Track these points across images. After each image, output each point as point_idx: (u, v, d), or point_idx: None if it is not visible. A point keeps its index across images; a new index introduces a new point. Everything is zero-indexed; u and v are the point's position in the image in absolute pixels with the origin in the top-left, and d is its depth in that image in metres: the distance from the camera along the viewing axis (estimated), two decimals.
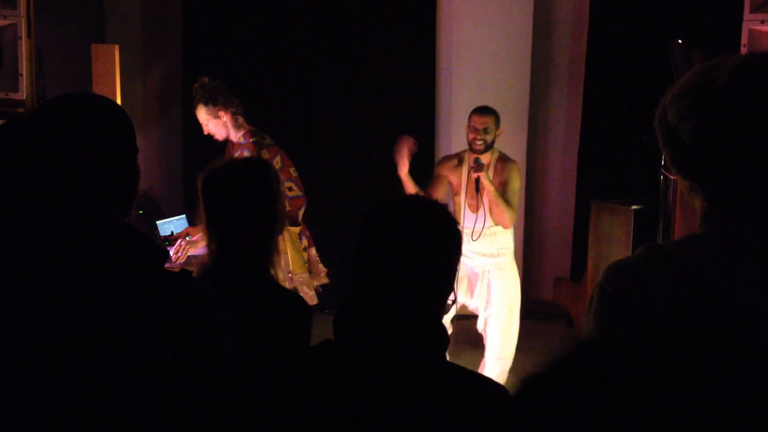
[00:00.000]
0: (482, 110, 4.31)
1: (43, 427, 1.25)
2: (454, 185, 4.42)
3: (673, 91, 1.22)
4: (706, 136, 1.16)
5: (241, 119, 4.17)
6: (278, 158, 3.97)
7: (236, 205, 2.11)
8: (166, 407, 1.26)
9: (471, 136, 4.27)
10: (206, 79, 4.17)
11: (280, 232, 2.21)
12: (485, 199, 4.24)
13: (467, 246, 4.12)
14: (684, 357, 0.74)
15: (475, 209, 4.28)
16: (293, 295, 2.23)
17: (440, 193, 4.37)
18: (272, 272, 2.14)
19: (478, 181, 4.17)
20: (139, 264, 1.31)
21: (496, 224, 4.31)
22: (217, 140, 4.25)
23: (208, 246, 2.17)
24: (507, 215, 4.25)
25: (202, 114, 4.16)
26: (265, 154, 4.04)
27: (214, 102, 4.13)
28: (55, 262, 1.27)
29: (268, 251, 2.14)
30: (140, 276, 1.30)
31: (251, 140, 4.09)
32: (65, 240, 1.27)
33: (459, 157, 4.41)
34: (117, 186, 1.35)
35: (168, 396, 1.26)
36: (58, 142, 1.29)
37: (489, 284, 4.37)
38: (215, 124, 4.15)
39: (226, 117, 4.13)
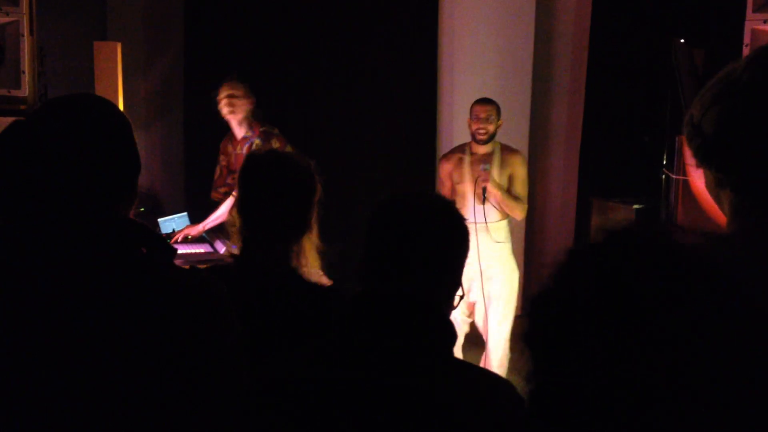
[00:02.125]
0: (484, 100, 4.30)
1: (45, 427, 1.24)
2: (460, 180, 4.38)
3: (701, 92, 1.24)
4: (726, 122, 1.18)
5: (252, 118, 4.38)
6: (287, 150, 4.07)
7: (279, 194, 2.05)
8: (169, 405, 1.26)
9: (474, 126, 4.25)
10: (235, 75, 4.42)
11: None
12: (492, 199, 4.23)
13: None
14: (693, 355, 0.74)
15: (481, 201, 4.24)
16: (325, 288, 2.19)
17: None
18: (295, 267, 2.09)
19: (484, 190, 4.17)
20: (145, 261, 1.31)
21: (503, 218, 4.32)
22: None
23: (240, 235, 2.09)
24: (518, 210, 4.28)
25: (240, 90, 4.34)
26: (275, 143, 4.12)
27: (249, 88, 4.38)
28: (57, 262, 1.26)
29: (299, 246, 2.10)
30: (146, 273, 1.29)
31: (261, 129, 4.27)
32: (67, 239, 1.27)
33: (460, 152, 4.38)
34: (119, 184, 1.35)
35: (171, 394, 1.26)
36: (58, 143, 1.29)
37: (491, 279, 4.32)
38: (243, 103, 4.33)
39: (250, 105, 4.35)
